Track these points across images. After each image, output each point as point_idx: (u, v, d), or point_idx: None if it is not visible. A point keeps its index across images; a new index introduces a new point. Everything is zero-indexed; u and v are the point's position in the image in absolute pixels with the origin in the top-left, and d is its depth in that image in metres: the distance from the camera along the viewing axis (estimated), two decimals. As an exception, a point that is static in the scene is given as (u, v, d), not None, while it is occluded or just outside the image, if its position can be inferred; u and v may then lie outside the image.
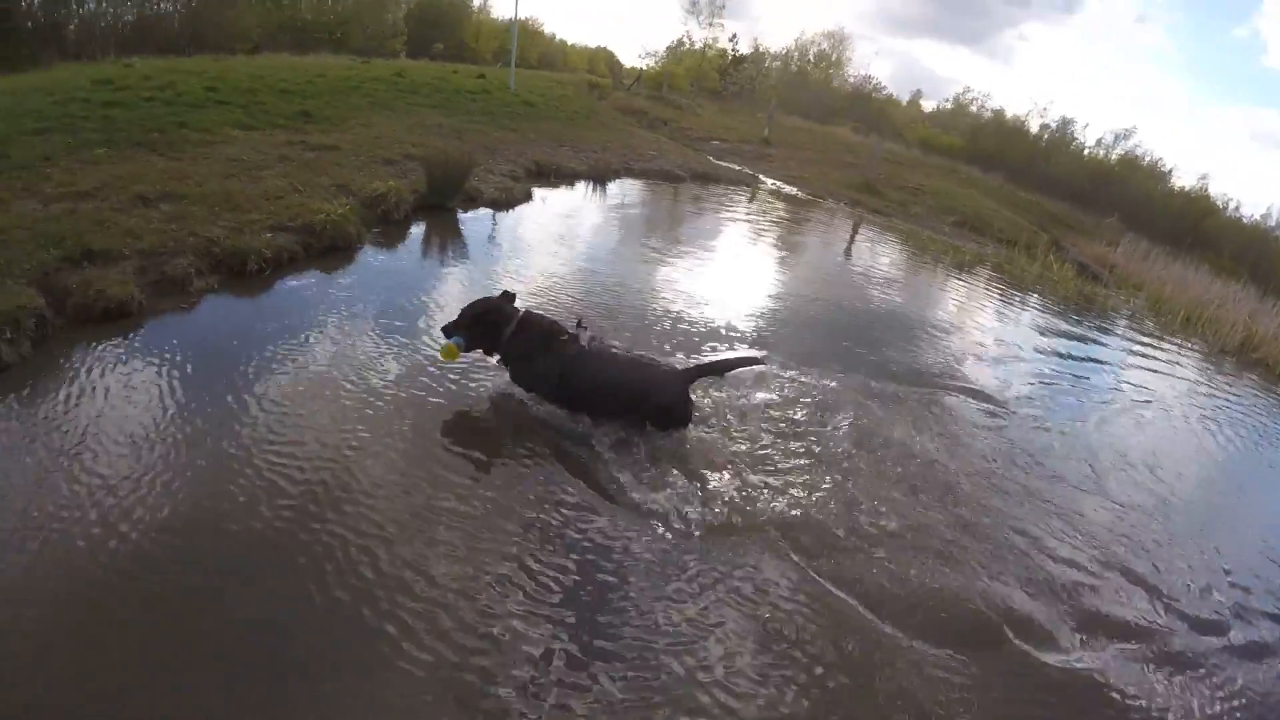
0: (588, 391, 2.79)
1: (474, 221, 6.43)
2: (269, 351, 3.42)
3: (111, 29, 15.03)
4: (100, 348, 3.27)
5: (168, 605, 1.96)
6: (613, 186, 9.44)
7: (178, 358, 3.24)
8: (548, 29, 40.52)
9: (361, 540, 2.26)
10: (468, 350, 2.93)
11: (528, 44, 34.96)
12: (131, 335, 3.41)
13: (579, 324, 3.18)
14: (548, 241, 6.26)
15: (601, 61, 40.24)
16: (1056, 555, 3.02)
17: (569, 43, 41.80)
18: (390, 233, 5.58)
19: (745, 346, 4.53)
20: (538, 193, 7.87)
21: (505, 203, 7.08)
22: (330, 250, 4.92)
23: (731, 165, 13.49)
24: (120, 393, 2.92)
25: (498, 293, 3.05)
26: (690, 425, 2.90)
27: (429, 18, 30.95)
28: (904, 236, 11.07)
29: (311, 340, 3.61)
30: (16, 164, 4.91)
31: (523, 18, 34.76)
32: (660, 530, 2.46)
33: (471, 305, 2.96)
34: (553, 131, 10.83)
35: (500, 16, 36.15)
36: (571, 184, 8.84)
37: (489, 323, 2.87)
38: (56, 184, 4.71)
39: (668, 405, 2.78)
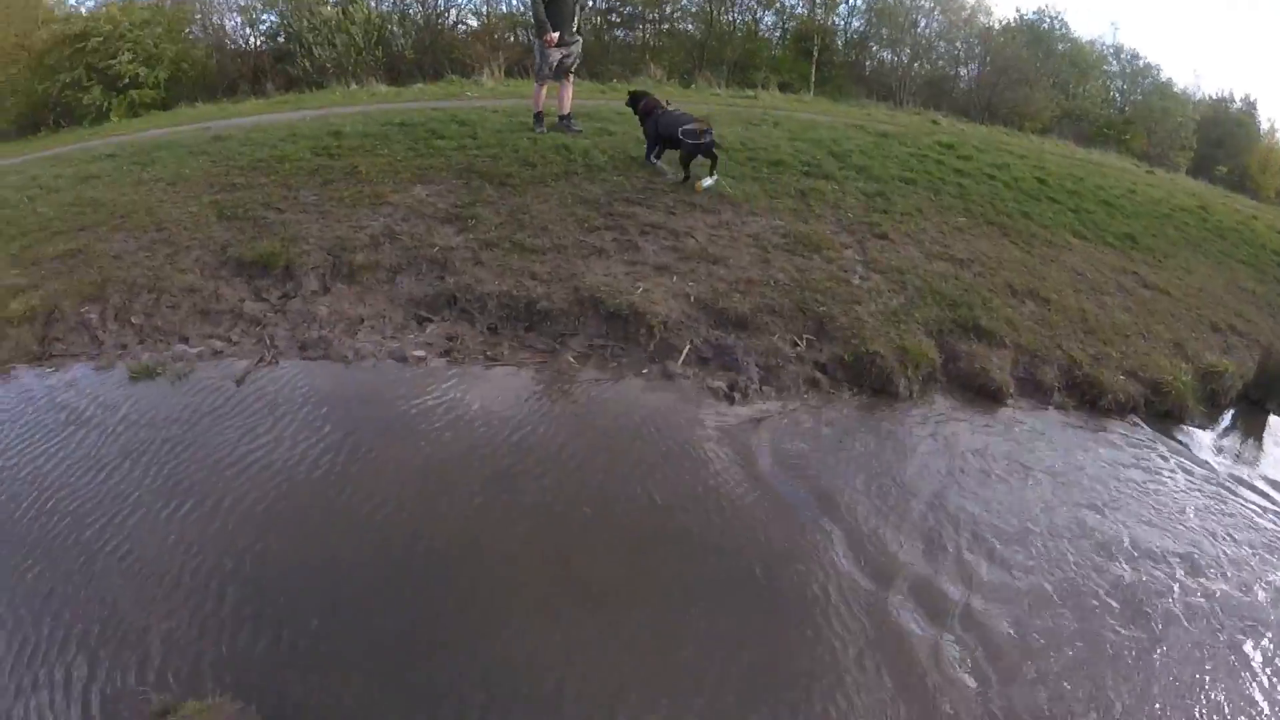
0: (661, 130, 6.79)
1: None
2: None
3: (904, 79, 21.16)
4: (980, 420, 4.59)
5: None
6: None
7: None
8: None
9: None
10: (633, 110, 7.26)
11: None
12: (995, 417, 4.69)
13: (667, 102, 7.13)
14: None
15: None
16: None
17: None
18: (1213, 417, 5.90)
19: None
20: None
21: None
22: (1164, 416, 5.51)
23: None
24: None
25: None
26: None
27: (1214, 136, 32.11)
28: None
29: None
30: (898, 209, 7.31)
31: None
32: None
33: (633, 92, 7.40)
34: (1375, 335, 9.98)
35: None
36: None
37: (635, 101, 7.28)
38: (932, 240, 6.75)
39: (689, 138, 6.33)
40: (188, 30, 20.93)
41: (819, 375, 4.57)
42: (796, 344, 4.70)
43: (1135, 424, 5.19)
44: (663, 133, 6.85)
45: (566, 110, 8.13)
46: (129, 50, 18.34)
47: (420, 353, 4.36)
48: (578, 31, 7.82)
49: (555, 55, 7.56)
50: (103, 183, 7.06)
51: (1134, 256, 8.64)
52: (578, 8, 7.70)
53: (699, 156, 6.61)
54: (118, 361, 4.46)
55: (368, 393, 3.96)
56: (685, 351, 4.46)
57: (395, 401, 3.85)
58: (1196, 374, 6.14)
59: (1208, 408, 5.99)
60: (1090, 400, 5.22)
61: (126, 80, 18.25)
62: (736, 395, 4.23)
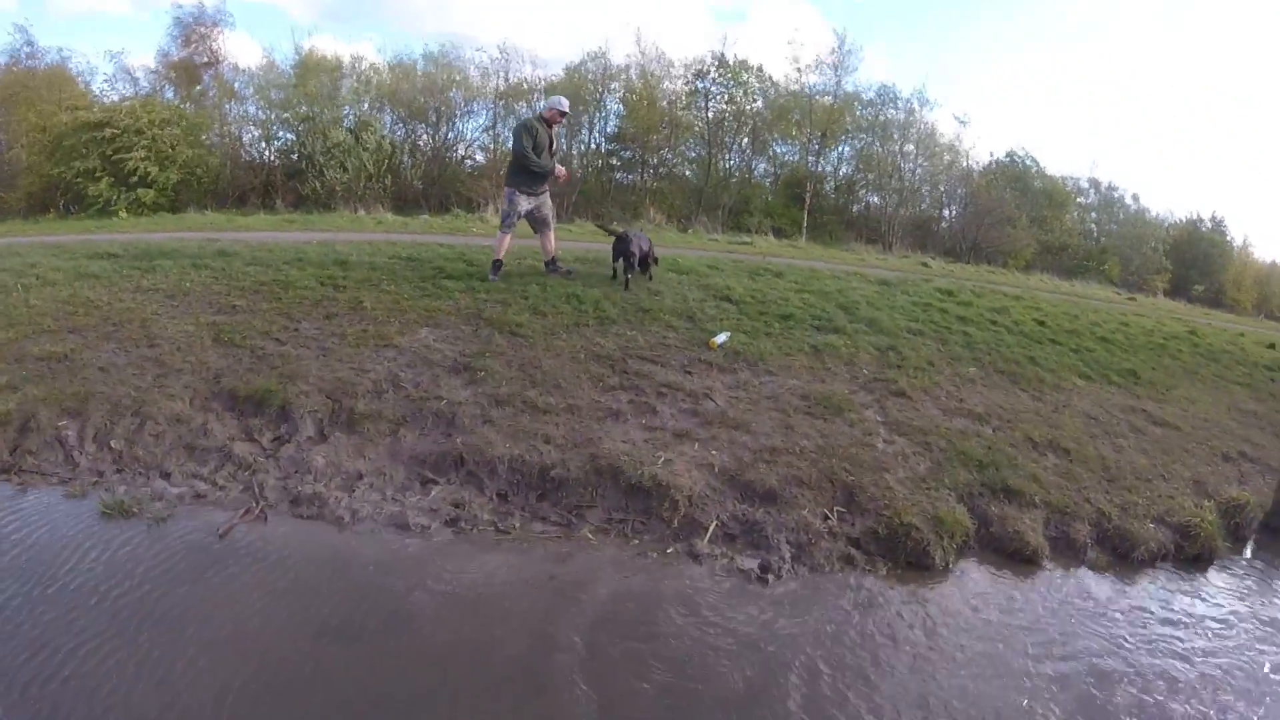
0: (618, 246, 7.92)
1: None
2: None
3: (892, 221, 21.86)
4: (1014, 588, 4.25)
5: None
6: None
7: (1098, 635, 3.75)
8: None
9: None
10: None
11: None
12: (1026, 583, 4.36)
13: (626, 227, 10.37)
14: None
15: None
16: None
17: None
18: (1238, 551, 5.64)
19: None
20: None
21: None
22: (1194, 560, 5.23)
23: None
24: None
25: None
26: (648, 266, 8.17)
27: (1188, 257, 33.30)
28: None
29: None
30: (911, 364, 7.11)
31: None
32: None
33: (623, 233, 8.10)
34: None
35: (1264, 259, 38.05)
36: None
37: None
38: (948, 395, 6.52)
39: (633, 252, 7.79)
40: (205, 136, 21.35)
41: (853, 551, 4.20)
42: (828, 517, 4.35)
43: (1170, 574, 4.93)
44: (618, 244, 8.00)
45: (550, 254, 8.10)
46: (144, 147, 18.50)
47: (423, 520, 3.96)
48: (548, 182, 7.72)
49: (524, 205, 7.47)
50: (100, 284, 6.83)
51: (1138, 393, 8.58)
52: (554, 160, 7.59)
53: (631, 266, 7.84)
54: (91, 490, 4.06)
55: (363, 567, 3.54)
56: (711, 529, 4.08)
57: (394, 582, 3.42)
58: (1218, 510, 5.93)
59: (1232, 542, 5.78)
60: (1123, 554, 4.96)
61: (136, 178, 18.35)
62: (770, 577, 3.84)
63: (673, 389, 5.44)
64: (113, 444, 4.46)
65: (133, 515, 3.82)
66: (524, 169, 7.31)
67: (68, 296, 6.39)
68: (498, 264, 7.73)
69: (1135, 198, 32.84)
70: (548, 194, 7.75)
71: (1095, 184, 32.14)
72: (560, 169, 7.66)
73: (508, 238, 7.67)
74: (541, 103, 7.62)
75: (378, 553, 3.67)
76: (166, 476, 4.29)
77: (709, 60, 25.66)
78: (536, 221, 7.75)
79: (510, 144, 8.50)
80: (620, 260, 7.91)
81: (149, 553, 3.52)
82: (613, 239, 8.15)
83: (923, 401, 6.29)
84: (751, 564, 3.92)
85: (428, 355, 5.55)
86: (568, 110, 7.65)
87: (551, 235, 8.04)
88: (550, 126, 7.48)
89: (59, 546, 3.52)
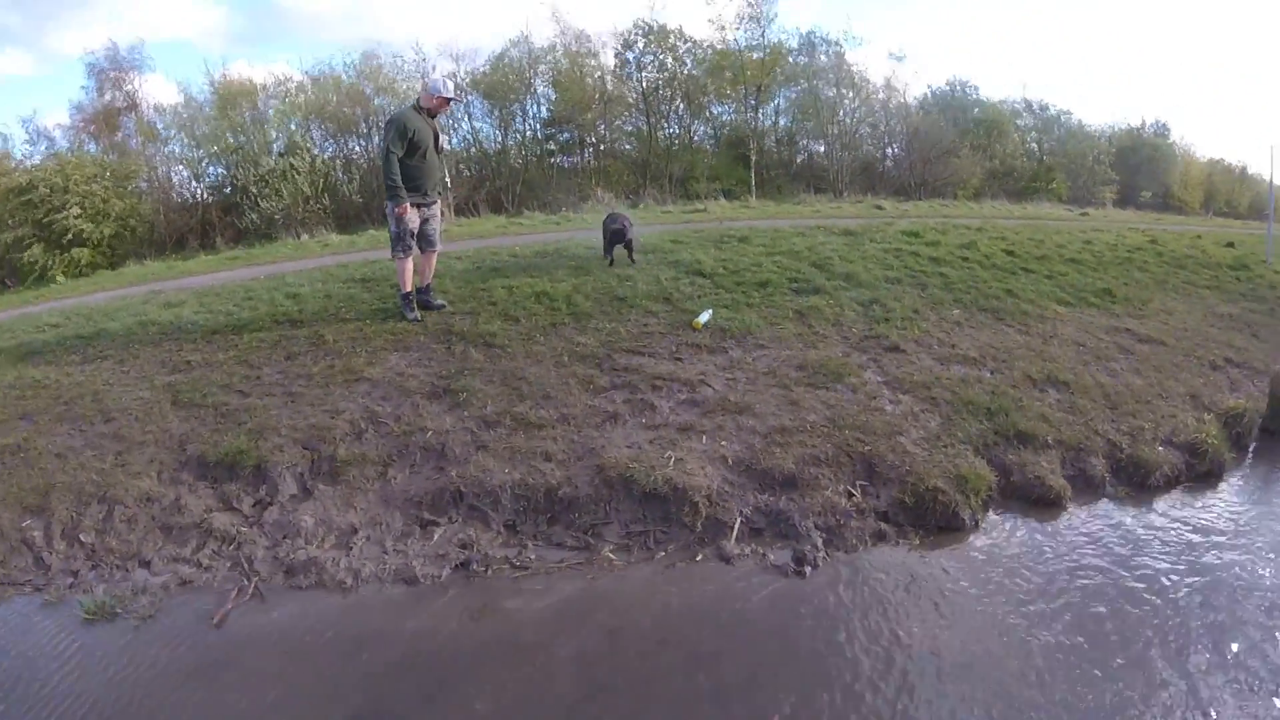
0: (616, 236, 7.94)
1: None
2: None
3: (839, 169, 21.69)
4: (1046, 533, 4.14)
5: None
6: None
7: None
8: (1252, 168, 39.91)
9: None
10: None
11: (1236, 190, 37.23)
12: (1056, 526, 4.28)
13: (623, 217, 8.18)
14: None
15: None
16: None
17: (1285, 185, 40.51)
18: (1241, 460, 5.62)
19: None
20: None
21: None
22: (1205, 476, 5.19)
23: None
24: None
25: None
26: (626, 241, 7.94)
27: (1131, 164, 33.40)
28: None
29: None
30: (897, 315, 6.86)
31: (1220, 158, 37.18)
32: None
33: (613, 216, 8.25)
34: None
35: (1203, 157, 38.35)
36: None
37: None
38: (939, 342, 6.33)
39: (631, 239, 8.06)
40: (132, 184, 20.41)
41: (883, 526, 4.02)
42: (851, 494, 4.14)
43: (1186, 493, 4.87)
44: (605, 230, 8.16)
45: (427, 280, 6.61)
46: (77, 204, 17.59)
47: (432, 569, 3.66)
48: (445, 185, 6.47)
49: (415, 220, 6.04)
50: (45, 360, 6.36)
51: (1117, 312, 8.48)
52: (442, 159, 6.24)
53: (619, 246, 8.06)
54: (68, 594, 3.70)
55: (378, 639, 3.22)
56: (737, 527, 3.85)
57: (415, 651, 3.12)
58: (1219, 422, 5.90)
59: (1236, 452, 5.75)
60: (1139, 482, 4.87)
61: (70, 237, 17.46)
62: (806, 568, 3.64)
63: (666, 380, 5.15)
64: (83, 538, 4.07)
65: (117, 616, 3.48)
66: (406, 175, 5.86)
67: (13, 380, 5.92)
68: (408, 298, 6.33)
69: (1068, 113, 32.96)
70: (438, 203, 6.37)
71: (1028, 104, 32.24)
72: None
73: (408, 263, 6.20)
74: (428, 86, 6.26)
75: (390, 617, 3.36)
76: (146, 565, 3.92)
77: (633, 30, 25.17)
78: (421, 238, 6.23)
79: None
80: (616, 246, 8.17)
81: (139, 658, 3.19)
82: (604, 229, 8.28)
83: (917, 353, 6.11)
84: (784, 557, 3.71)
85: (402, 384, 5.19)
86: (452, 95, 6.23)
87: (434, 258, 6.59)
88: (433, 117, 6.08)
89: (41, 663, 3.19)
